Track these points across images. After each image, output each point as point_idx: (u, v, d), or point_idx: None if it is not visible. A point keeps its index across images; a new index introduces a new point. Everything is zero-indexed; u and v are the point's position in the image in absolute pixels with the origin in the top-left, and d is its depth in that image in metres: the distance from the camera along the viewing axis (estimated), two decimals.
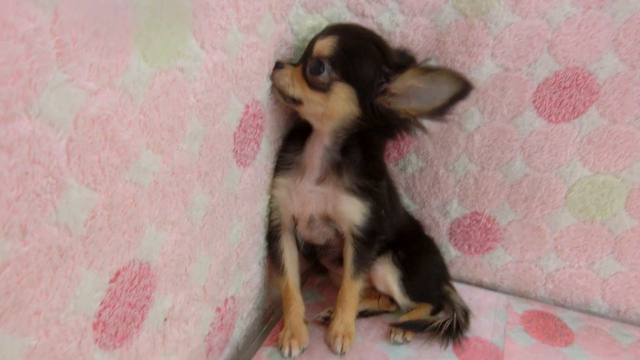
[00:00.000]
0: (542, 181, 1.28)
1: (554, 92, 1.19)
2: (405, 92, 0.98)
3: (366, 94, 0.99)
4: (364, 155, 1.11)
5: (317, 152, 1.10)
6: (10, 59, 0.47)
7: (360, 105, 1.01)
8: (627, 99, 1.14)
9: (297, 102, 1.06)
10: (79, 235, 0.60)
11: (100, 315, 0.66)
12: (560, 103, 1.19)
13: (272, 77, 1.04)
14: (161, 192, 0.74)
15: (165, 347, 0.84)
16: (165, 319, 0.83)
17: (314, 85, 1.02)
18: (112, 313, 0.69)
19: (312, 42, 1.04)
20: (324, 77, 1.00)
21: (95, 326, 0.66)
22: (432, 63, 1.23)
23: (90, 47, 0.56)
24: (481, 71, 1.22)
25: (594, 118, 1.18)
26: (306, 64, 1.02)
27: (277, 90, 1.06)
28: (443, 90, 0.93)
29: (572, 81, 1.17)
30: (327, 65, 0.99)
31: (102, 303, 0.66)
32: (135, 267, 0.72)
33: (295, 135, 1.17)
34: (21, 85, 0.49)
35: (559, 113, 1.20)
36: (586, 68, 1.15)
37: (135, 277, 0.72)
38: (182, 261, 0.85)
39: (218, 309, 1.02)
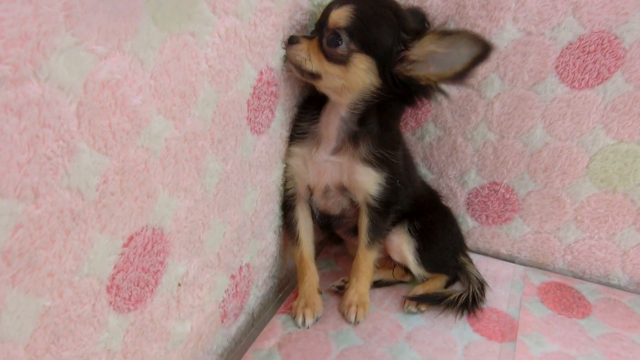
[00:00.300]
0: (563, 150, 1.24)
1: (578, 57, 1.15)
2: (425, 57, 0.95)
3: (386, 64, 0.97)
4: (380, 125, 1.08)
5: (334, 122, 1.09)
6: (18, 21, 0.47)
7: (380, 76, 0.99)
8: None
9: (315, 76, 1.02)
10: (91, 200, 0.60)
11: (114, 279, 0.67)
12: (584, 68, 1.15)
13: (287, 53, 1.02)
14: (173, 159, 0.74)
15: (179, 312, 0.86)
16: (179, 285, 0.84)
17: (332, 58, 0.99)
18: (126, 277, 0.70)
19: (327, 12, 1.00)
20: (342, 49, 0.97)
21: (109, 289, 0.67)
22: (449, 26, 1.20)
23: (98, 10, 0.55)
24: (502, 36, 1.18)
25: (619, 84, 1.14)
26: (322, 36, 0.99)
27: (294, 67, 1.03)
28: (463, 54, 0.91)
29: (597, 45, 1.12)
30: (344, 37, 0.96)
31: (115, 267, 0.67)
32: (149, 232, 0.73)
33: (310, 103, 1.15)
34: (29, 48, 0.48)
35: (582, 79, 1.16)
36: (612, 31, 1.10)
37: (148, 243, 0.73)
38: (196, 228, 0.85)
39: (232, 276, 1.03)
